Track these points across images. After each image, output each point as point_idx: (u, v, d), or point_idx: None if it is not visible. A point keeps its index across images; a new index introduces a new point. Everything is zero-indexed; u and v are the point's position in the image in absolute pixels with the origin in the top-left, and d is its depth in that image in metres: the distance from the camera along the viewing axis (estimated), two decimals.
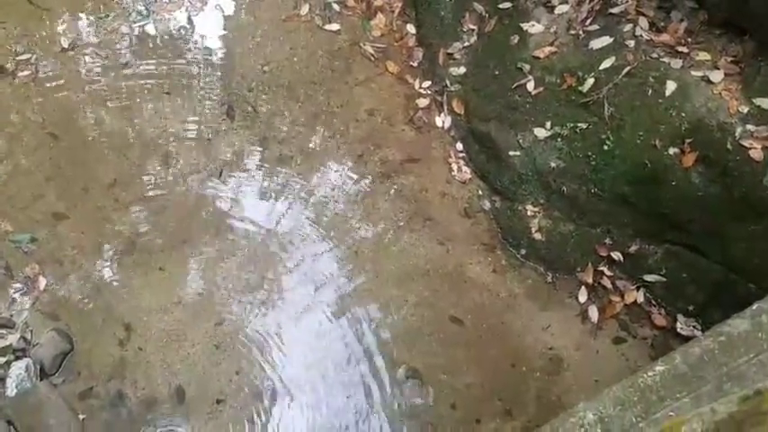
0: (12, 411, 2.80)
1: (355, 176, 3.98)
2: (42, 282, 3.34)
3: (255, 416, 3.14)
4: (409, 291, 3.59)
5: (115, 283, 3.43)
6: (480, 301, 3.56)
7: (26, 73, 4.18)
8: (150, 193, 3.77)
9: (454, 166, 4.01)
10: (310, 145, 4.08)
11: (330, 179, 3.98)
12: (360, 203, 3.89)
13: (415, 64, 4.41)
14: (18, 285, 3.33)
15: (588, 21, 3.69)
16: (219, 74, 4.32)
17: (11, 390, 2.87)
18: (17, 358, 2.98)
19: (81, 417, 2.94)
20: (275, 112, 4.17)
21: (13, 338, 3.05)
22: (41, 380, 2.96)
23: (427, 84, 4.28)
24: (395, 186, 3.93)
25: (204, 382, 3.18)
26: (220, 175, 3.91)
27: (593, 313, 3.51)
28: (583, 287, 3.57)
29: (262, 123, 4.13)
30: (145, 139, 3.98)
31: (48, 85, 4.14)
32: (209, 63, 4.37)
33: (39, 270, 3.37)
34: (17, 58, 4.22)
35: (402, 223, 3.81)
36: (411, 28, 4.53)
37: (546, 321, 3.51)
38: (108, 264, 3.49)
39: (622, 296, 3.53)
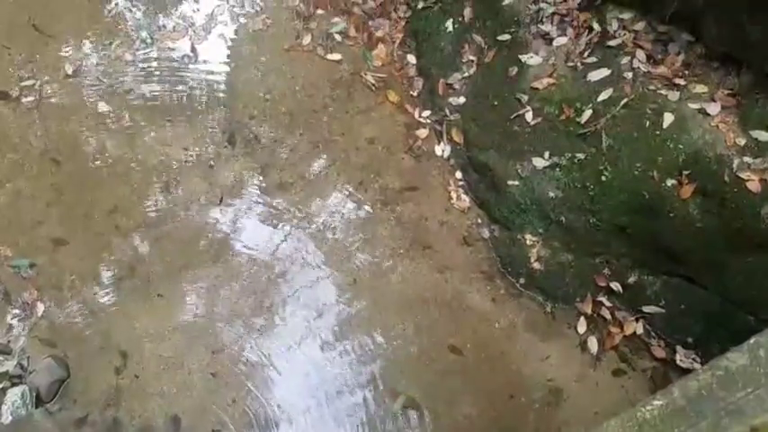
0: None
1: (355, 204, 4.00)
2: (40, 308, 3.33)
3: None
4: (408, 319, 3.58)
5: (113, 310, 3.42)
6: (479, 331, 3.55)
7: (30, 99, 4.23)
8: (150, 220, 3.79)
9: (453, 195, 4.03)
10: (311, 172, 4.11)
11: (330, 206, 4.00)
12: (359, 231, 3.90)
13: (415, 93, 4.46)
14: (16, 311, 3.32)
15: (586, 53, 3.74)
16: (222, 102, 4.37)
17: (6, 417, 2.85)
18: (13, 385, 2.97)
19: None
20: (276, 139, 4.21)
21: (9, 365, 3.03)
22: (37, 407, 2.94)
23: (427, 113, 4.33)
24: (394, 214, 3.95)
25: (200, 410, 3.16)
26: (221, 201, 3.93)
27: (593, 344, 3.49)
28: (582, 318, 3.56)
29: (263, 151, 4.16)
30: (146, 165, 4.01)
31: (51, 111, 4.19)
32: (211, 91, 4.42)
33: (37, 296, 3.37)
34: (21, 84, 4.27)
35: (401, 251, 3.82)
36: (411, 58, 4.60)
37: (545, 352, 3.49)
38: (106, 290, 3.49)
39: (622, 327, 3.52)
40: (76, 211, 3.74)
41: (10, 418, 2.84)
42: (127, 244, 3.67)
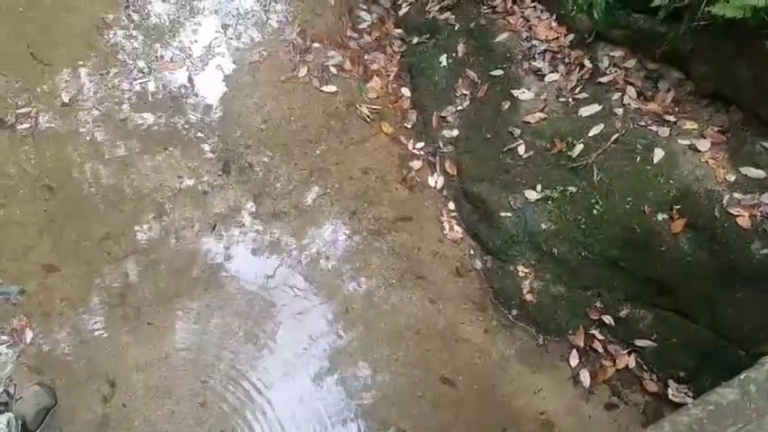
0: None
1: (348, 233, 4.01)
2: (29, 334, 3.30)
3: None
4: (400, 349, 3.56)
5: (102, 338, 3.38)
6: (471, 362, 3.53)
7: (26, 126, 4.25)
8: (142, 247, 3.78)
9: (446, 226, 4.05)
10: (305, 201, 4.12)
11: (323, 235, 4.01)
12: (352, 260, 3.90)
13: (409, 125, 4.52)
14: (4, 337, 3.28)
15: (577, 89, 3.83)
16: (218, 131, 4.40)
17: None
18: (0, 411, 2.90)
19: None
20: (271, 168, 4.24)
21: None
22: None
23: (421, 145, 4.38)
24: (387, 244, 3.96)
25: None
26: (213, 229, 3.93)
27: (585, 377, 3.48)
28: (574, 350, 3.56)
29: (257, 179, 4.18)
30: (140, 193, 4.02)
31: (46, 138, 4.20)
32: (207, 120, 4.46)
33: (26, 322, 3.33)
34: (17, 111, 4.29)
35: (394, 281, 3.82)
36: (406, 91, 4.67)
37: (537, 384, 3.47)
38: (96, 318, 3.46)
39: (614, 361, 3.51)
40: (68, 238, 3.72)
41: None
42: (118, 271, 3.65)
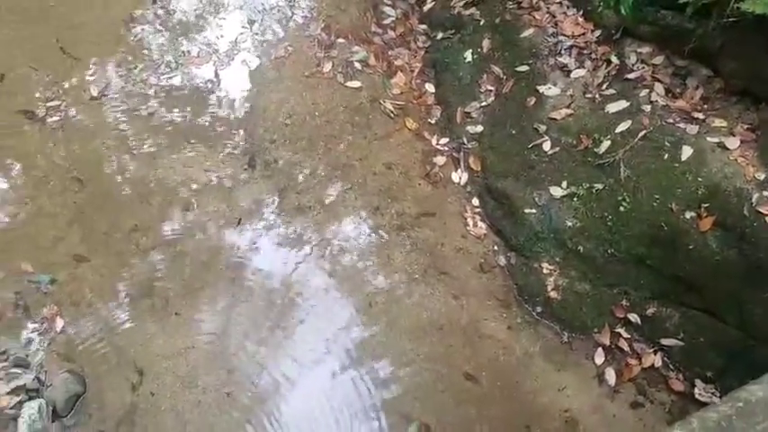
0: None
1: (371, 228, 4.02)
2: (59, 323, 3.35)
3: None
4: (423, 345, 3.56)
5: (131, 327, 3.43)
6: (495, 359, 3.52)
7: (55, 119, 4.32)
8: (170, 240, 3.82)
9: (470, 222, 4.04)
10: (328, 196, 4.14)
11: (346, 230, 4.02)
12: (375, 255, 3.91)
13: (433, 121, 4.52)
14: (35, 326, 3.34)
15: (604, 85, 3.80)
16: (243, 126, 4.44)
17: (22, 430, 2.84)
18: (30, 398, 2.96)
19: None
20: (295, 163, 4.26)
21: (27, 378, 3.04)
22: (53, 421, 2.93)
23: (444, 140, 4.38)
24: (410, 239, 3.96)
25: (214, 430, 3.14)
26: (239, 223, 3.97)
27: (611, 376, 3.45)
28: (600, 348, 3.53)
29: (282, 174, 4.21)
30: (167, 186, 4.07)
31: (76, 131, 4.28)
32: (233, 115, 4.50)
33: (56, 311, 3.39)
34: (47, 105, 4.37)
35: (417, 276, 3.82)
36: (430, 87, 4.67)
37: (562, 382, 3.45)
38: (124, 307, 3.51)
39: (640, 359, 3.48)
40: (98, 229, 3.78)
41: (26, 430, 2.84)
42: (146, 262, 3.70)
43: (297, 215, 4.05)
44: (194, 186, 4.10)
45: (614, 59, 3.82)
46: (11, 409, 2.95)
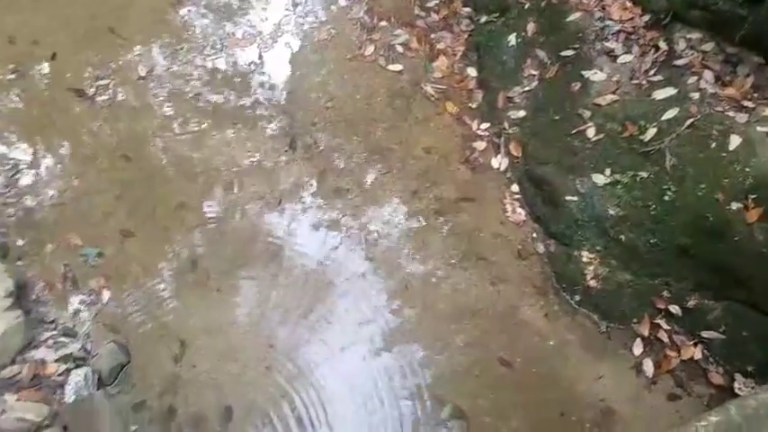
0: (68, 417, 2.89)
1: (409, 212, 4.03)
2: (106, 295, 3.47)
3: None
4: (458, 329, 3.57)
5: (174, 301, 3.53)
6: (531, 346, 3.50)
7: (104, 98, 4.45)
8: (213, 218, 3.91)
9: (509, 208, 4.02)
10: (367, 179, 4.16)
11: (384, 213, 4.04)
12: (412, 239, 3.92)
13: (474, 106, 4.49)
14: (83, 297, 3.47)
15: (651, 71, 3.71)
16: (285, 108, 4.49)
17: (69, 396, 2.96)
18: (77, 366, 3.09)
19: (133, 428, 3.00)
20: (335, 146, 4.29)
21: (74, 347, 3.16)
22: (98, 389, 3.05)
23: (485, 125, 4.35)
24: (448, 224, 3.96)
25: (252, 403, 3.22)
26: (279, 204, 4.03)
27: (649, 367, 3.40)
28: (638, 339, 3.48)
29: (322, 156, 4.25)
30: (211, 166, 4.15)
31: (123, 110, 4.40)
32: (275, 97, 4.55)
33: (103, 284, 3.51)
34: (97, 83, 4.50)
35: (453, 261, 3.82)
36: (472, 71, 4.63)
37: (598, 371, 3.42)
38: (168, 282, 3.61)
39: (679, 351, 3.42)
40: (144, 206, 3.89)
41: (73, 397, 2.96)
42: (190, 239, 3.79)
43: (335, 197, 4.08)
44: (236, 167, 4.17)
45: (662, 45, 3.72)
46: (58, 376, 3.08)
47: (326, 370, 3.39)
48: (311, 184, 4.14)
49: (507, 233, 3.93)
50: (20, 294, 3.24)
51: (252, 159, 4.21)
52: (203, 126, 4.36)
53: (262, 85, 4.64)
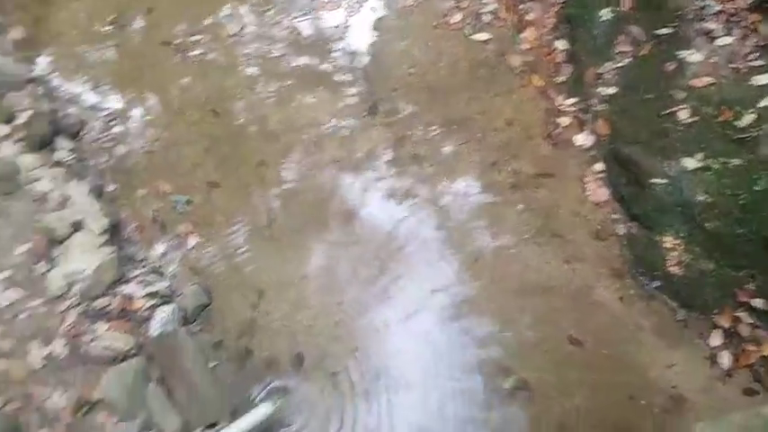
0: (153, 349, 3.08)
1: (485, 184, 4.00)
2: (191, 241, 3.65)
3: (363, 397, 3.23)
4: (528, 305, 3.55)
5: (252, 253, 3.67)
6: (603, 327, 3.45)
7: (195, 53, 4.60)
8: (291, 178, 4.01)
9: (590, 186, 3.92)
10: (445, 148, 4.15)
11: (459, 184, 4.03)
12: (486, 212, 3.90)
13: (561, 80, 4.37)
14: (171, 241, 3.65)
15: (752, 56, 3.53)
16: (367, 73, 4.51)
17: (154, 330, 3.15)
18: (163, 303, 3.27)
19: (212, 364, 3.17)
20: (415, 113, 4.29)
21: (160, 286, 3.35)
22: (182, 326, 3.22)
23: (571, 101, 4.24)
24: (525, 199, 3.91)
25: (322, 353, 3.34)
26: (356, 167, 4.07)
27: (725, 359, 3.30)
28: (717, 330, 3.36)
29: (400, 123, 4.26)
30: (292, 127, 4.24)
31: (213, 66, 4.53)
32: (358, 62, 4.58)
33: (190, 230, 3.68)
34: (189, 39, 4.65)
35: (527, 236, 3.78)
36: (561, 44, 4.50)
37: (672, 359, 3.34)
38: (248, 233, 3.75)
39: (759, 346, 3.29)
40: (229, 160, 4.04)
41: (158, 331, 3.14)
42: (269, 195, 3.91)
43: (411, 165, 4.10)
44: (316, 129, 4.24)
45: (764, 29, 3.52)
46: (145, 311, 3.27)
47: (394, 332, 3.46)
48: (388, 151, 4.17)
49: (586, 212, 3.86)
50: (113, 233, 3.44)
51: (331, 123, 4.27)
52: (286, 87, 4.44)
53: (345, 48, 4.67)
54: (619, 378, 3.29)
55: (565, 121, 4.16)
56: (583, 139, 4.08)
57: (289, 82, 4.48)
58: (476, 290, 3.62)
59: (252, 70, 4.53)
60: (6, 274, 3.15)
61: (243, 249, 3.67)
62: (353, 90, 4.45)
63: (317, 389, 3.23)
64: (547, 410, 3.22)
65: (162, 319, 3.18)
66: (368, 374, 3.29)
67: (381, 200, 3.98)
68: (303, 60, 4.60)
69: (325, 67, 4.58)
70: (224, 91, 4.40)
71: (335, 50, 4.66)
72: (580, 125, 4.15)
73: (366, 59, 4.60)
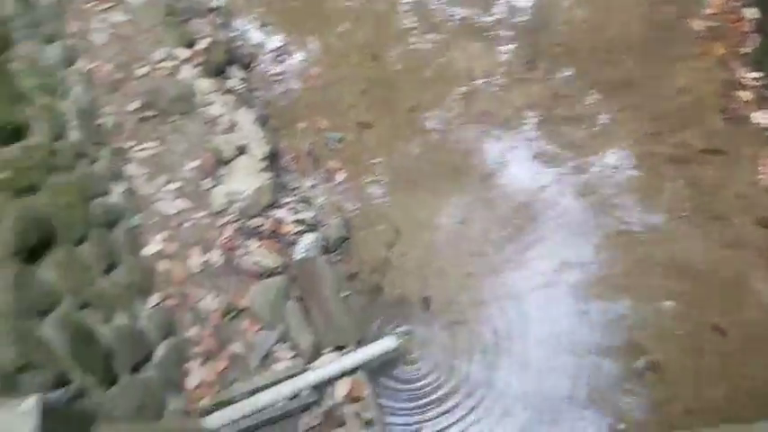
0: (296, 271, 3.32)
1: (643, 154, 3.77)
2: (340, 176, 3.84)
3: (482, 351, 3.25)
4: (672, 285, 3.34)
5: (393, 195, 3.80)
6: (753, 320, 3.17)
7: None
8: (438, 128, 4.04)
9: (764, 170, 3.56)
10: (604, 111, 3.96)
11: (614, 152, 3.83)
12: (640, 183, 3.70)
13: (745, 51, 3.96)
14: (321, 174, 3.88)
15: None
16: (528, 28, 4.40)
17: (298, 254, 3.38)
18: (308, 231, 3.49)
19: (345, 293, 3.36)
20: (577, 72, 4.12)
21: (308, 214, 3.57)
22: (322, 254, 3.43)
23: (755, 74, 3.83)
24: (687, 174, 3.64)
25: (450, 299, 3.40)
26: (504, 124, 4.01)
27: None
28: None
29: (558, 82, 4.12)
30: (448, 76, 4.26)
31: (372, 13, 4.65)
32: (520, 17, 4.48)
33: (340, 166, 3.88)
34: None
35: (684, 215, 3.53)
36: (750, 12, 4.07)
37: None
38: (393, 177, 3.87)
39: None
40: (382, 103, 4.17)
41: (302, 255, 3.37)
42: (417, 140, 3.99)
43: (564, 126, 3.96)
44: (470, 81, 4.22)
45: None
46: (292, 235, 3.51)
47: (522, 297, 3.40)
48: (540, 110, 4.05)
49: (754, 196, 3.52)
50: (272, 160, 3.71)
51: (489, 75, 4.23)
52: (444, 38, 4.45)
53: (508, 3, 4.56)
54: (762, 373, 3.02)
55: (745, 95, 3.79)
56: (762, 118, 3.68)
57: (447, 32, 4.49)
58: (617, 264, 3.45)
59: (412, 19, 4.59)
60: (177, 185, 3.51)
61: (386, 191, 3.80)
62: (511, 46, 4.36)
63: (439, 333, 3.31)
64: (675, 395, 3.04)
65: (306, 245, 3.40)
66: (493, 332, 3.30)
67: (525, 161, 3.89)
68: (463, 12, 4.57)
69: (486, 20, 4.51)
70: (383, 37, 4.51)
71: (498, 4, 4.57)
72: (761, 102, 3.74)
73: (529, 15, 4.48)
